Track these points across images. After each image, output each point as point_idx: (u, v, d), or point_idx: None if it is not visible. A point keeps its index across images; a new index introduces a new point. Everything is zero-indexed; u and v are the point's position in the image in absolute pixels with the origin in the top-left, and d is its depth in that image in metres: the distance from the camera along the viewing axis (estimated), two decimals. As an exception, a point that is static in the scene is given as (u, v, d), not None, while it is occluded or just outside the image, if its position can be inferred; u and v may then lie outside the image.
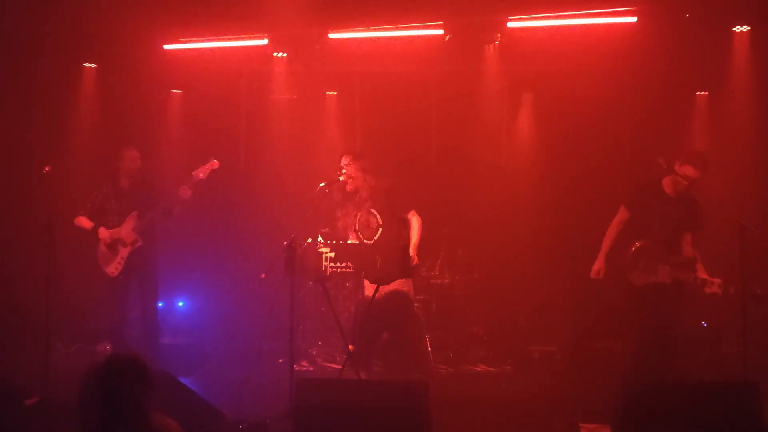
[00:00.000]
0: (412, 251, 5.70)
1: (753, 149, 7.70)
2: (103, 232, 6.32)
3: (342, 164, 5.88)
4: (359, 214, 5.92)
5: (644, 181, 6.02)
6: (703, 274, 5.65)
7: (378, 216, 5.88)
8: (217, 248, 8.39)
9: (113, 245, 6.31)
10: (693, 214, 5.81)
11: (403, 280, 5.82)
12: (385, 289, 5.67)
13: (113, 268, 6.31)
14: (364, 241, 5.90)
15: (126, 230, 6.30)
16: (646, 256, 5.71)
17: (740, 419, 4.07)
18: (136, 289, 6.46)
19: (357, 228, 5.93)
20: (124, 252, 6.30)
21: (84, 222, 6.40)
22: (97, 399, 2.96)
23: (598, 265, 5.93)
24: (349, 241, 5.94)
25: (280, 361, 6.92)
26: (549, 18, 7.23)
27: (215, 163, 6.36)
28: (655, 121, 8.01)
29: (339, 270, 5.38)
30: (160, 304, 6.83)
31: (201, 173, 6.32)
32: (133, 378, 2.99)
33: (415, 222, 5.85)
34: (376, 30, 7.56)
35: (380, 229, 5.87)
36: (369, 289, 5.78)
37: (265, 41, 7.86)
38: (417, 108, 8.62)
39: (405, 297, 5.86)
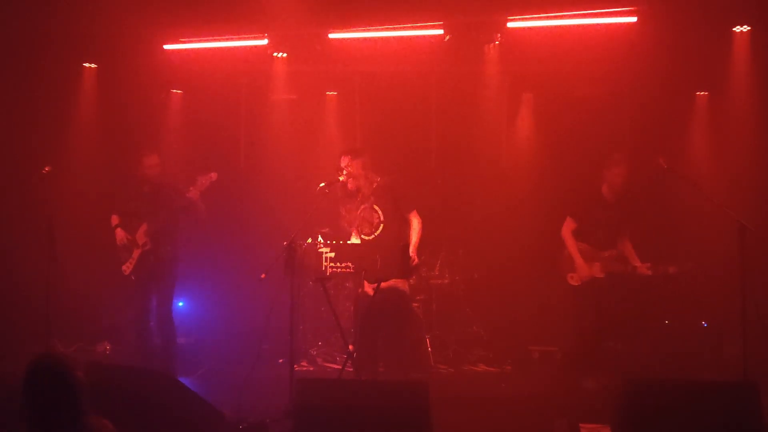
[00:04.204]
0: (412, 252, 5.69)
1: (753, 149, 7.70)
2: (119, 233, 6.50)
3: (342, 165, 5.85)
4: (362, 208, 5.90)
5: (585, 190, 6.41)
6: (635, 262, 6.17)
7: (380, 212, 5.86)
8: (217, 248, 8.38)
9: (128, 246, 6.47)
10: (631, 215, 6.28)
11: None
12: (380, 286, 5.67)
13: (126, 267, 6.48)
14: (364, 237, 5.89)
15: (140, 232, 6.44)
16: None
17: (740, 419, 4.06)
18: (151, 290, 6.54)
19: (358, 223, 5.92)
20: (136, 253, 6.45)
21: (113, 220, 6.61)
22: (23, 408, 2.92)
23: (585, 269, 6.16)
24: (351, 238, 5.94)
25: (280, 361, 6.92)
26: (549, 18, 7.23)
27: (214, 176, 6.48)
28: (655, 121, 8.01)
29: (339, 270, 5.37)
30: (180, 304, 6.92)
31: (203, 181, 6.44)
32: (55, 383, 2.89)
33: (415, 223, 5.85)
34: (376, 30, 7.55)
35: (381, 225, 5.84)
36: (368, 287, 5.78)
37: (265, 41, 7.86)
38: (417, 108, 8.62)
39: (401, 293, 5.83)
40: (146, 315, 6.55)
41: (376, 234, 5.83)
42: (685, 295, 7.20)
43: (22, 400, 2.92)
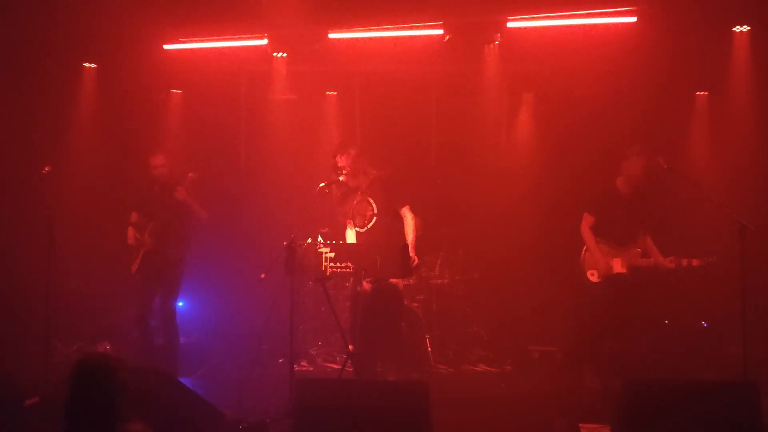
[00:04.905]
0: (412, 252, 5.68)
1: (753, 149, 7.70)
2: (130, 231, 6.58)
3: (340, 165, 5.83)
4: (357, 200, 5.90)
5: (600, 186, 6.29)
6: (657, 257, 6.04)
7: (374, 205, 5.86)
8: (217, 248, 8.38)
9: (137, 245, 6.54)
10: (649, 210, 6.17)
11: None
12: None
13: (134, 265, 6.55)
14: (357, 229, 5.89)
15: (147, 232, 6.50)
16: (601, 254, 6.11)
17: (740, 419, 4.06)
18: (155, 290, 6.55)
19: (352, 214, 5.92)
20: (141, 252, 6.51)
21: (133, 216, 6.66)
22: (66, 401, 2.91)
23: (603, 262, 6.05)
24: (346, 230, 5.94)
25: (280, 361, 6.92)
26: (549, 18, 7.22)
27: (192, 175, 6.50)
28: (655, 121, 8.01)
29: (339, 270, 5.37)
30: (180, 304, 6.97)
31: (186, 184, 6.48)
32: (100, 381, 2.89)
33: (409, 218, 5.83)
34: (376, 30, 7.55)
35: (374, 218, 5.84)
36: (366, 284, 5.77)
37: (265, 41, 7.85)
38: (417, 108, 8.62)
39: (393, 287, 5.83)
40: (148, 314, 6.55)
41: (368, 226, 5.84)
42: (685, 295, 7.20)
43: (65, 397, 2.91)
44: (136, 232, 6.55)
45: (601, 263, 6.02)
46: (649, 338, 7.03)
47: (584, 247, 6.18)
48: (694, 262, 5.91)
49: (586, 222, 6.16)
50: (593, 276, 6.09)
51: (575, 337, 6.36)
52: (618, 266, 6.01)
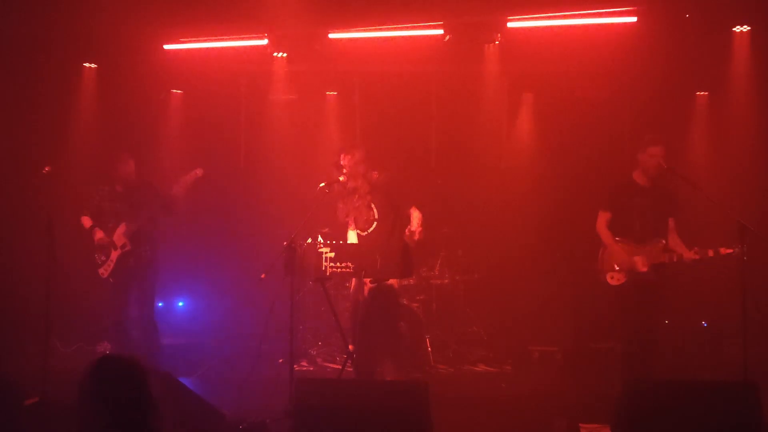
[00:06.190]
0: (417, 227, 5.60)
1: (753, 149, 7.70)
2: (98, 233, 6.43)
3: (342, 163, 5.84)
4: (358, 204, 5.89)
5: (617, 179, 6.09)
6: (681, 249, 5.74)
7: (375, 210, 5.86)
8: (217, 248, 8.39)
9: (106, 247, 6.40)
10: (669, 199, 5.92)
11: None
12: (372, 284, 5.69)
13: (104, 270, 6.42)
14: (359, 232, 5.90)
15: (118, 234, 6.38)
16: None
17: (740, 419, 4.06)
18: (132, 291, 6.48)
19: (354, 215, 5.92)
20: (114, 255, 6.39)
21: (85, 221, 6.51)
22: (93, 402, 2.88)
23: (626, 257, 5.79)
24: (348, 231, 5.95)
25: (280, 361, 6.92)
26: (549, 18, 7.23)
27: (199, 171, 6.46)
28: (655, 121, 8.01)
29: (339, 270, 5.37)
30: (159, 305, 6.86)
31: (187, 178, 6.42)
32: (126, 382, 2.81)
33: (416, 214, 5.80)
34: (376, 30, 7.56)
35: (375, 223, 5.85)
36: (366, 288, 5.77)
37: (265, 41, 7.86)
38: (417, 108, 8.63)
39: (389, 287, 5.82)
40: (126, 317, 6.46)
41: (369, 231, 5.84)
42: (685, 295, 7.20)
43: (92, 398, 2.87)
44: (102, 232, 6.39)
45: (625, 262, 5.75)
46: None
47: (601, 248, 5.93)
48: (722, 251, 5.55)
49: (602, 219, 5.93)
50: (614, 279, 5.81)
51: (621, 339, 6.07)
52: (641, 264, 5.71)
